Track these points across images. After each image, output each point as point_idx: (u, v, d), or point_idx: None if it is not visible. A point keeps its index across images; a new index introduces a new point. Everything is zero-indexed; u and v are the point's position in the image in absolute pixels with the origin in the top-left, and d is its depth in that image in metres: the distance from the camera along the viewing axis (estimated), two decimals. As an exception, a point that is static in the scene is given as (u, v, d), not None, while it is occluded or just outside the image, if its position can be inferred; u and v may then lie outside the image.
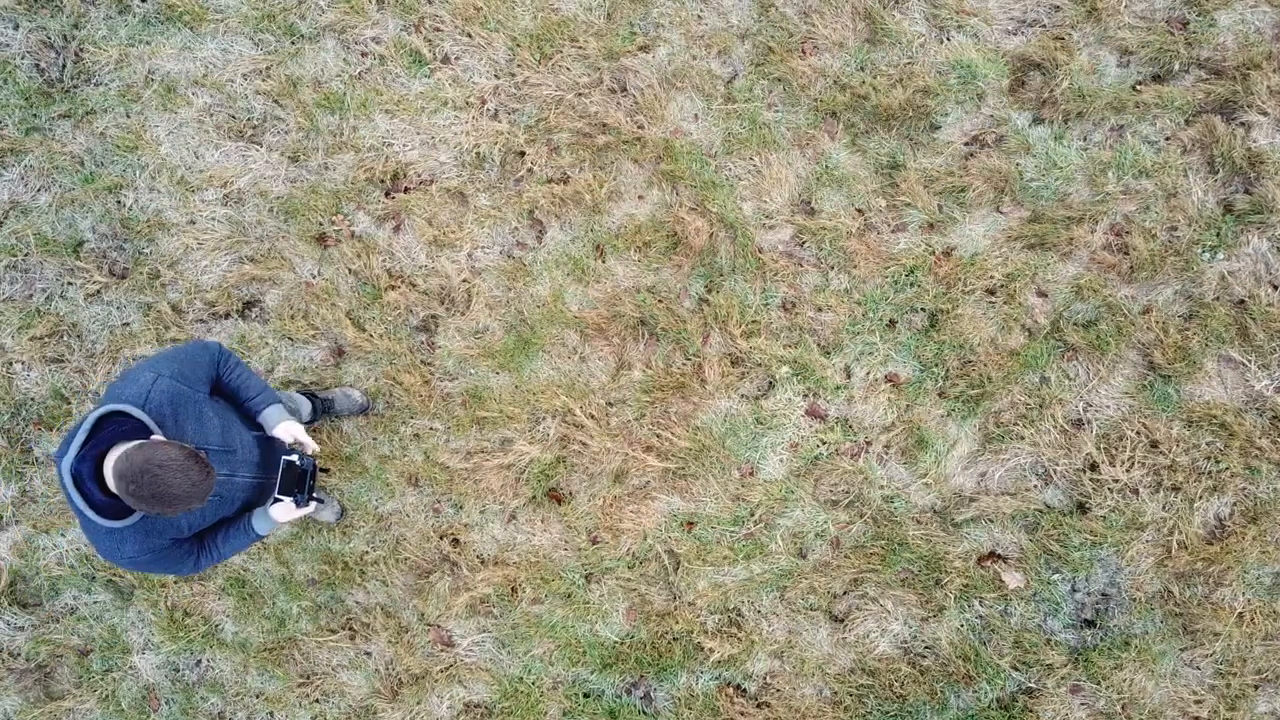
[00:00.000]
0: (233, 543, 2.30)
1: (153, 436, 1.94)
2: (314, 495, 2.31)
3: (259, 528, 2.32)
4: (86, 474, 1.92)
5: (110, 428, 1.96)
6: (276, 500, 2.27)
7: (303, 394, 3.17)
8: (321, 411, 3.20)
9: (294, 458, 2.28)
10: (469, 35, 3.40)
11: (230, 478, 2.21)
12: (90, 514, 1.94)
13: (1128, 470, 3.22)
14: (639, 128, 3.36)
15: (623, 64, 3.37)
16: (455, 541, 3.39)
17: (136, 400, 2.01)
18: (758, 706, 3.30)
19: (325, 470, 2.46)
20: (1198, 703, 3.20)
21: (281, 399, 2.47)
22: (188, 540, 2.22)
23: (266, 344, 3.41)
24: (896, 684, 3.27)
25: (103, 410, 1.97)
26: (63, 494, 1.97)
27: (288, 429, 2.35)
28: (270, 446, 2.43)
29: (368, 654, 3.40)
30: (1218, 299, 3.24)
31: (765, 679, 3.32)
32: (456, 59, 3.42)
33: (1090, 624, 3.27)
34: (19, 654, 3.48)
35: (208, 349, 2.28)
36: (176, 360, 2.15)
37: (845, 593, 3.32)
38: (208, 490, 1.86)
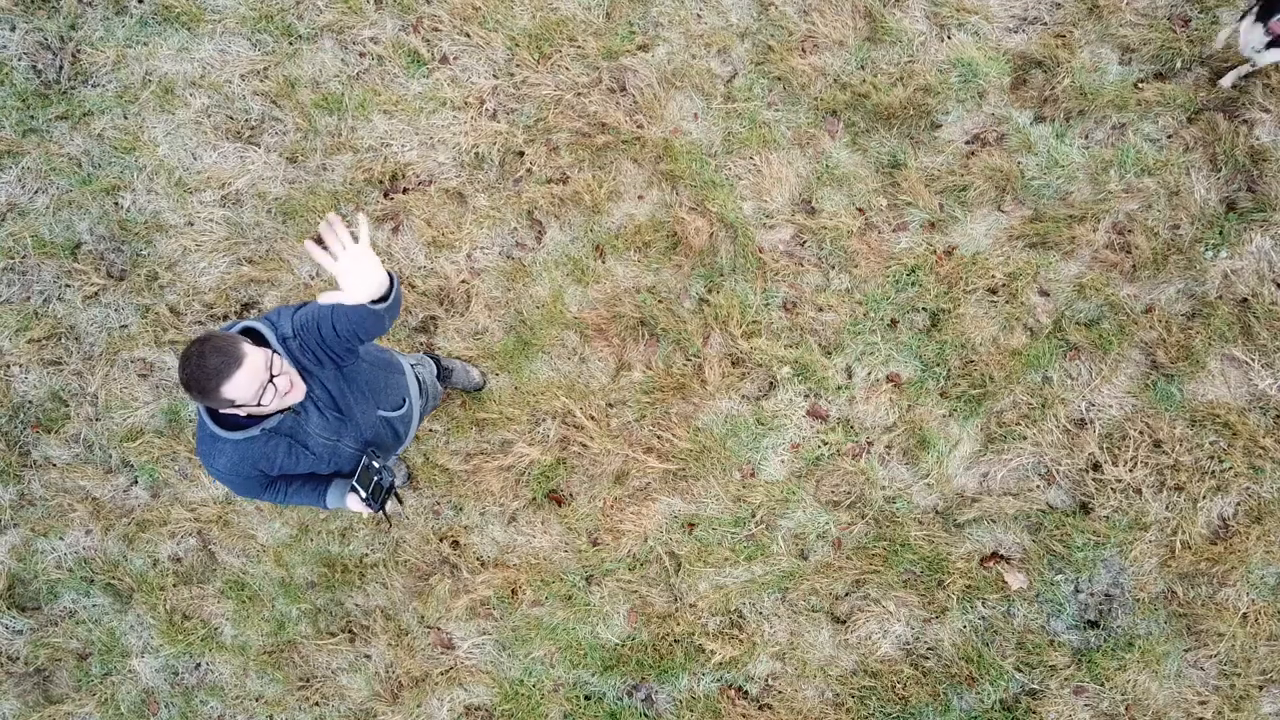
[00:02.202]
0: (300, 497, 2.31)
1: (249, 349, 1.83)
2: (385, 509, 2.30)
3: (330, 501, 2.32)
4: None
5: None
6: (354, 489, 2.25)
7: (429, 355, 3.10)
8: (442, 377, 3.11)
9: (375, 464, 2.25)
10: (467, 35, 3.38)
11: (335, 442, 2.18)
12: (205, 414, 1.97)
13: (1131, 470, 3.21)
14: (638, 127, 3.34)
15: (622, 63, 3.36)
16: (455, 544, 3.38)
17: (283, 330, 1.98)
18: (760, 708, 3.29)
19: (400, 499, 2.48)
20: (1202, 704, 3.18)
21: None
22: (272, 477, 2.22)
23: (265, 346, 3.40)
24: (899, 685, 3.25)
25: (248, 324, 1.97)
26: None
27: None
28: (389, 431, 2.39)
29: (368, 657, 3.39)
30: (1221, 297, 3.23)
31: (767, 681, 3.30)
32: (455, 59, 3.41)
33: (1094, 625, 3.25)
34: (18, 658, 3.47)
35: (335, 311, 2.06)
36: (352, 320, 1.96)
37: (847, 594, 3.31)
38: (205, 389, 1.76)
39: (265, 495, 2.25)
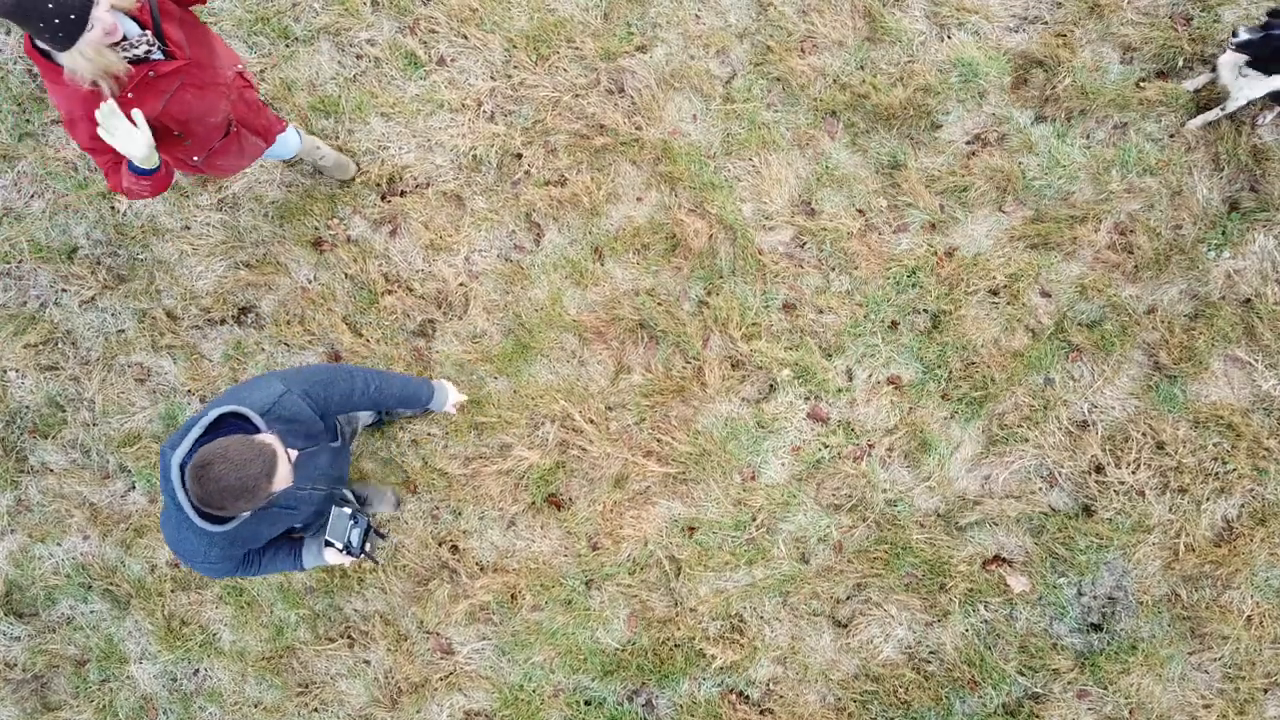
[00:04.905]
0: (276, 564, 2.25)
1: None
2: (369, 553, 2.27)
3: (306, 561, 2.28)
4: None
5: (228, 428, 1.90)
6: (329, 544, 2.22)
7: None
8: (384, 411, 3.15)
9: (348, 510, 2.22)
10: (464, 37, 3.37)
11: (311, 490, 2.16)
12: (192, 512, 1.86)
13: (1134, 472, 3.19)
14: (637, 129, 3.33)
15: (620, 64, 3.34)
16: (454, 548, 3.36)
17: (260, 408, 1.94)
18: (761, 713, 3.27)
19: (382, 535, 2.45)
20: (1206, 707, 3.16)
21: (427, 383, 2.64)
22: (253, 551, 2.18)
23: (263, 350, 3.38)
24: (901, 690, 3.24)
25: (224, 409, 1.90)
26: (163, 486, 1.89)
27: (453, 400, 2.73)
28: (341, 461, 2.36)
29: (366, 662, 3.38)
30: (1224, 298, 3.21)
31: (768, 685, 3.29)
32: (452, 61, 3.39)
33: (1097, 628, 3.24)
34: (15, 664, 3.46)
35: (352, 379, 2.21)
36: (311, 381, 2.09)
37: (849, 598, 3.29)
38: (255, 493, 1.76)
39: (241, 571, 2.18)
